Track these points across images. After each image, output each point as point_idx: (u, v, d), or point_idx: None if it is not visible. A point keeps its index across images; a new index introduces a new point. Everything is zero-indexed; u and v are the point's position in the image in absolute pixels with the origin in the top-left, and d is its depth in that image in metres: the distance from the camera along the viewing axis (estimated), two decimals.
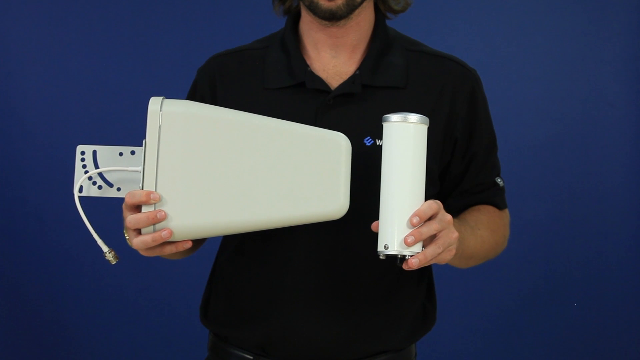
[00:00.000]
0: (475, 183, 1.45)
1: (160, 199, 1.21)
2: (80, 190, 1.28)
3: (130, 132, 2.12)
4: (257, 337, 1.40)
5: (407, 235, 1.16)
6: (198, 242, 1.44)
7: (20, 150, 2.51)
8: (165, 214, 1.20)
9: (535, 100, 2.56)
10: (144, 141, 1.22)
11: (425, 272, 1.47)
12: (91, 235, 1.28)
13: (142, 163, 1.21)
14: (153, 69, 2.54)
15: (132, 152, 1.27)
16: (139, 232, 1.23)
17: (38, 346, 2.59)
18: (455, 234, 1.21)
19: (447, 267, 1.53)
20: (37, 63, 2.51)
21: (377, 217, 1.21)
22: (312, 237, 1.36)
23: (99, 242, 1.29)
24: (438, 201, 1.20)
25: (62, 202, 2.48)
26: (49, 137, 2.52)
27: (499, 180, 1.48)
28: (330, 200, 1.22)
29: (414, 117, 1.19)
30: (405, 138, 1.19)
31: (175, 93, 1.55)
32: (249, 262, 1.41)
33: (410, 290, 1.43)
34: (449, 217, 1.20)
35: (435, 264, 1.48)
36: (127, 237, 1.28)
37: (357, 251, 1.37)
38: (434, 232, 1.17)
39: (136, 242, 1.22)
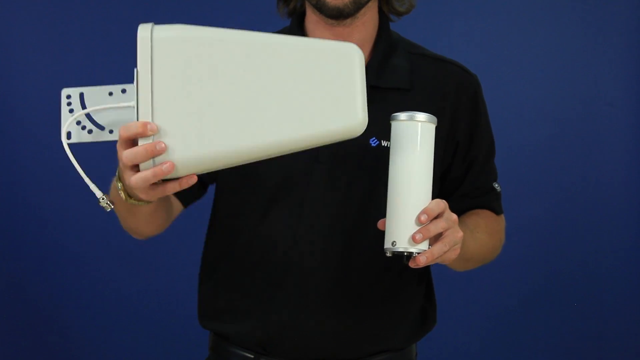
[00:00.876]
0: (474, 187, 1.46)
1: (158, 130, 1.09)
2: (69, 136, 1.15)
3: None
4: (258, 336, 1.40)
5: (415, 233, 1.16)
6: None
7: (20, 150, 2.51)
8: (165, 145, 1.09)
9: (535, 100, 2.56)
10: (135, 70, 1.10)
11: (425, 273, 1.48)
12: (84, 181, 1.16)
13: (135, 96, 1.10)
14: None
15: (123, 91, 1.15)
16: (137, 169, 1.11)
17: (38, 346, 2.59)
18: (461, 233, 1.21)
19: (447, 268, 1.53)
20: (37, 63, 2.51)
21: (381, 218, 1.22)
22: (314, 236, 1.36)
23: (92, 187, 1.18)
24: (444, 200, 1.20)
25: (62, 202, 2.48)
26: (49, 137, 2.52)
27: (496, 185, 1.49)
28: (347, 115, 1.11)
29: (422, 116, 1.20)
30: (413, 136, 1.19)
31: None
32: (249, 260, 1.41)
33: (410, 290, 1.44)
34: (454, 216, 1.21)
35: (434, 266, 1.49)
36: (120, 186, 1.18)
37: (358, 251, 1.37)
38: (441, 230, 1.18)
39: (135, 179, 1.10)
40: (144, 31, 1.11)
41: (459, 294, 2.52)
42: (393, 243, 1.18)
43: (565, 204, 2.58)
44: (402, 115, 1.20)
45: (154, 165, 1.09)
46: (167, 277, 2.56)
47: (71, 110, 1.15)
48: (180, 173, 1.11)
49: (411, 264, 1.18)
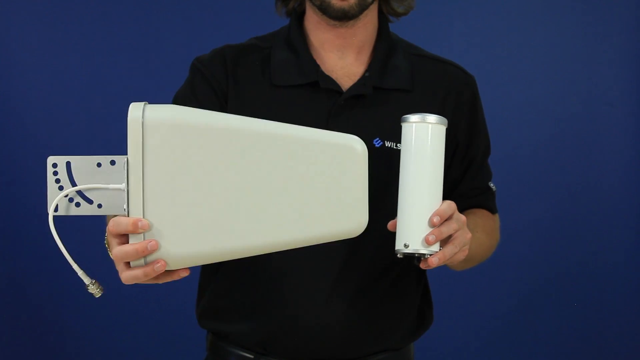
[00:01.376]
0: (471, 187, 1.47)
1: (149, 226, 1.03)
2: (56, 209, 1.11)
3: None
4: (259, 335, 1.40)
5: (428, 234, 1.17)
6: None
7: (20, 150, 2.51)
8: (157, 243, 1.03)
9: (535, 100, 2.56)
10: (126, 157, 1.04)
11: (422, 273, 1.48)
12: (69, 263, 1.13)
13: (126, 181, 1.04)
14: (153, 69, 2.53)
15: (112, 162, 1.06)
16: (128, 264, 1.08)
17: (38, 346, 2.59)
18: (469, 234, 1.23)
19: (445, 268, 1.53)
20: (37, 63, 2.51)
21: (384, 220, 1.22)
22: None
23: (80, 273, 1.14)
24: (454, 202, 1.21)
25: None
26: (49, 138, 2.52)
27: (492, 185, 1.50)
28: (348, 216, 1.06)
29: (433, 118, 1.20)
30: (424, 138, 1.19)
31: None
32: (249, 259, 1.40)
33: (409, 291, 1.44)
34: (463, 217, 1.22)
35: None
36: (111, 253, 1.16)
37: (358, 252, 1.37)
38: (453, 232, 1.19)
39: (125, 276, 1.09)
40: (135, 111, 1.02)
41: (459, 294, 2.52)
42: (405, 245, 1.18)
43: (565, 204, 2.58)
44: (413, 117, 1.20)
45: (146, 263, 1.06)
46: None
47: (57, 181, 1.09)
48: (172, 267, 1.07)
49: (422, 265, 1.19)
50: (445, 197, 1.43)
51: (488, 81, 1.50)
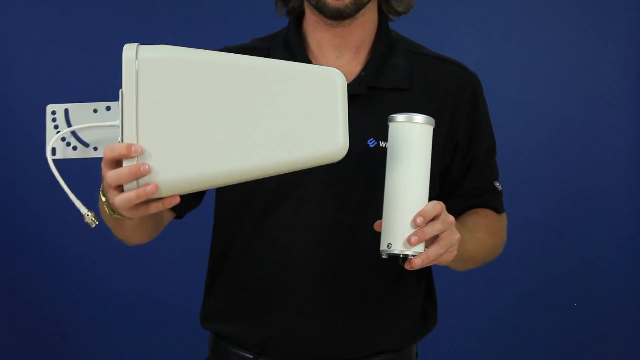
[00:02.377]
0: (474, 186, 1.45)
1: (142, 151, 1.10)
2: (54, 152, 1.16)
3: None
4: (257, 336, 1.40)
5: (410, 235, 1.16)
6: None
7: (20, 150, 2.51)
8: (150, 167, 1.10)
9: (535, 100, 2.56)
10: (120, 91, 1.11)
11: (425, 273, 1.47)
12: (69, 198, 1.18)
13: (120, 116, 1.11)
14: None
15: (108, 108, 1.15)
16: (121, 189, 1.12)
17: (38, 346, 2.59)
18: (458, 235, 1.21)
19: (447, 268, 1.53)
20: (37, 63, 2.51)
21: (379, 219, 1.22)
22: (312, 237, 1.36)
23: (77, 204, 1.18)
24: (441, 202, 1.20)
25: (62, 202, 2.47)
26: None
27: (497, 184, 1.49)
28: (329, 140, 1.12)
29: (419, 118, 1.19)
30: (410, 138, 1.19)
31: None
32: (248, 261, 1.41)
33: (409, 290, 1.44)
34: (451, 218, 1.21)
35: (435, 266, 1.48)
36: (104, 200, 1.19)
37: (357, 252, 1.37)
38: (437, 233, 1.18)
39: (119, 200, 1.11)
40: (129, 51, 1.11)
41: (459, 294, 2.52)
42: (388, 245, 1.18)
43: (565, 204, 2.58)
44: (400, 117, 1.20)
45: (138, 186, 1.10)
46: (167, 276, 2.56)
47: (56, 127, 1.16)
48: (163, 194, 1.12)
49: (406, 266, 1.18)
50: (448, 196, 1.43)
51: (488, 81, 1.49)
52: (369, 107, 1.35)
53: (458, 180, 1.44)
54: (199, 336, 1.59)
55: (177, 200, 1.14)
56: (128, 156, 1.09)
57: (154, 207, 1.14)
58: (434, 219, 1.18)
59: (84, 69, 2.52)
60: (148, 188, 1.10)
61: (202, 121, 1.11)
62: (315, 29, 1.39)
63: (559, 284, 2.60)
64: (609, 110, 2.56)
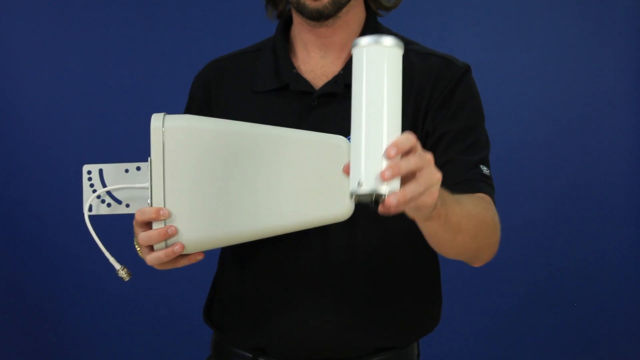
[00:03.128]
0: (443, 160, 1.32)
1: (169, 214, 1.21)
2: (90, 209, 1.28)
3: (130, 131, 2.12)
4: (257, 341, 1.41)
5: (384, 170, 0.99)
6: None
7: (20, 150, 2.51)
8: (176, 229, 1.21)
9: (535, 100, 2.56)
10: (149, 158, 1.22)
11: (429, 271, 1.46)
12: (102, 253, 1.30)
13: (149, 180, 1.22)
14: (153, 69, 2.54)
15: (138, 168, 1.27)
16: (151, 248, 1.23)
17: (38, 346, 2.59)
18: (438, 175, 1.04)
19: (449, 268, 1.53)
20: (37, 63, 2.51)
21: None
22: (312, 237, 1.36)
23: (111, 260, 1.31)
24: (414, 134, 1.03)
25: (62, 202, 2.48)
26: (49, 137, 2.52)
27: (485, 168, 1.36)
28: (337, 203, 1.21)
29: (388, 40, 1.04)
30: (379, 62, 1.03)
31: (175, 94, 1.56)
32: (250, 265, 1.42)
33: (409, 288, 1.43)
34: (429, 154, 1.03)
35: (441, 262, 1.47)
36: (139, 249, 1.29)
37: (357, 250, 1.37)
38: (414, 168, 1.00)
39: (149, 258, 1.23)
40: (156, 121, 1.22)
41: (459, 293, 2.51)
42: (359, 183, 1.00)
43: (565, 204, 2.58)
44: (365, 40, 1.04)
45: (167, 246, 1.22)
46: (169, 276, 2.55)
47: (92, 185, 1.29)
48: (189, 251, 1.24)
49: (381, 210, 1.02)
50: None
51: (488, 81, 1.49)
52: (347, 105, 1.34)
53: (441, 158, 1.31)
54: (201, 336, 1.59)
55: (202, 256, 1.25)
56: (157, 219, 1.21)
57: (181, 263, 1.25)
58: (410, 152, 1.02)
59: (84, 69, 2.52)
60: (175, 248, 1.22)
61: (223, 185, 1.22)
62: (300, 31, 1.41)
63: (559, 284, 2.60)
64: (609, 110, 2.56)
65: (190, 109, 1.47)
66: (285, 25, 1.45)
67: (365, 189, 1.00)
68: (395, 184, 1.00)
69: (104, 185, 1.28)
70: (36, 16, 2.51)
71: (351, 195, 1.03)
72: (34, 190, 2.53)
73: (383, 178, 0.99)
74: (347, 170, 1.05)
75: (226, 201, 1.22)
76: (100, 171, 1.28)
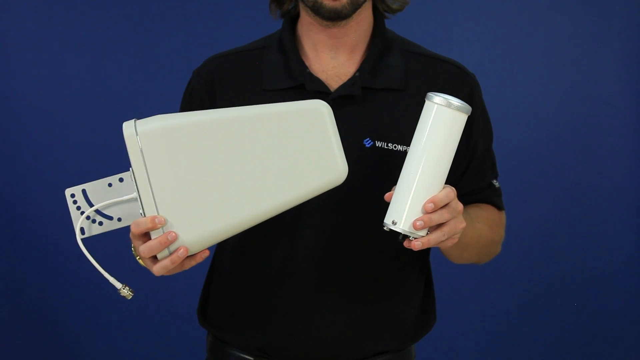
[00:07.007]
0: (472, 187, 1.44)
1: (165, 220, 1.18)
2: (83, 232, 1.24)
3: None
4: (258, 341, 1.41)
5: (417, 219, 1.16)
6: None
7: (20, 150, 2.51)
8: (176, 233, 1.18)
9: (535, 100, 2.56)
10: (130, 168, 1.19)
11: (424, 272, 1.47)
12: (101, 273, 1.27)
13: (136, 189, 1.19)
14: (153, 69, 2.54)
15: (121, 180, 1.22)
16: (155, 258, 1.21)
17: (38, 346, 2.59)
18: (463, 224, 1.21)
19: (446, 267, 1.53)
20: (37, 63, 2.51)
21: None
22: (311, 238, 1.36)
23: (111, 280, 1.29)
24: (454, 189, 1.19)
25: (62, 202, 2.47)
26: (49, 137, 2.52)
27: (495, 182, 1.48)
28: (329, 168, 1.19)
29: (456, 103, 1.17)
30: (441, 121, 1.17)
31: (175, 94, 1.55)
32: (247, 265, 1.41)
33: (408, 291, 1.43)
34: (460, 206, 1.20)
35: (433, 261, 1.48)
36: (139, 259, 1.28)
37: (355, 252, 1.37)
38: (444, 221, 1.17)
39: (157, 268, 1.21)
40: (128, 129, 1.18)
41: (459, 294, 2.52)
42: (393, 222, 1.17)
43: (565, 203, 2.58)
44: (437, 98, 1.17)
45: (170, 252, 1.20)
46: (165, 277, 2.55)
47: (78, 208, 1.24)
48: (194, 251, 1.21)
49: (405, 244, 1.18)
50: None
51: (488, 81, 1.49)
52: (364, 108, 1.35)
53: (456, 180, 1.42)
54: (197, 337, 1.59)
55: (207, 253, 1.23)
56: (154, 228, 1.18)
57: (188, 264, 1.23)
58: (444, 206, 1.17)
59: (84, 69, 2.52)
60: (180, 252, 1.19)
61: (210, 178, 1.19)
62: (310, 30, 1.39)
63: (559, 283, 2.60)
64: (609, 110, 2.56)
65: (190, 105, 1.44)
66: (291, 23, 1.43)
67: (398, 229, 1.17)
68: (423, 230, 1.17)
69: (91, 205, 1.23)
70: (36, 16, 2.51)
71: (384, 225, 1.18)
72: (34, 190, 2.53)
73: (415, 228, 1.16)
74: (388, 198, 1.19)
75: (217, 192, 1.19)
76: (84, 191, 1.23)
